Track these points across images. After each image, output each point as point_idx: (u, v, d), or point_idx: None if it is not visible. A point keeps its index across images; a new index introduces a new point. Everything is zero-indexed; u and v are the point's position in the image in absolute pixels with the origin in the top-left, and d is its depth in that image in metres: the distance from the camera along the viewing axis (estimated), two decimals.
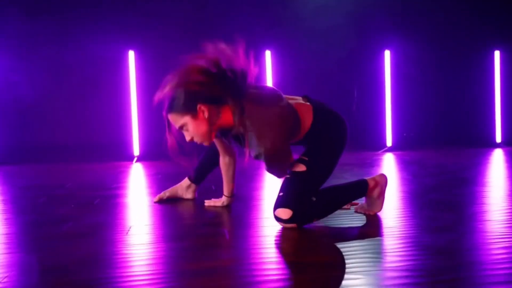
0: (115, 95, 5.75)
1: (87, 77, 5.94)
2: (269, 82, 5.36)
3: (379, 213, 2.36)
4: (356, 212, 2.39)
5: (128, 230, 2.16)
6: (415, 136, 6.31)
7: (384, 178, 2.33)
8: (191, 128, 2.09)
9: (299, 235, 2.04)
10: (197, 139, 2.13)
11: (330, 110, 2.27)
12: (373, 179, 2.31)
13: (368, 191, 2.29)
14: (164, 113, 2.13)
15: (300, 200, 2.10)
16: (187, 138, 2.14)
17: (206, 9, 6.08)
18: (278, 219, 2.12)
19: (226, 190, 2.61)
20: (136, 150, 5.15)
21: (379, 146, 5.63)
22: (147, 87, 5.68)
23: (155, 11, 6.03)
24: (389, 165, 4.42)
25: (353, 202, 2.43)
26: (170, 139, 2.16)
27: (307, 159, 2.16)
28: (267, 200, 2.81)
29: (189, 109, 2.06)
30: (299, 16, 6.14)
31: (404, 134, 6.17)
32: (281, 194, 2.13)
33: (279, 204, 2.12)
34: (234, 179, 2.59)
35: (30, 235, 2.17)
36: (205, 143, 2.15)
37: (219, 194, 2.76)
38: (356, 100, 6.42)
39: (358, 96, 6.42)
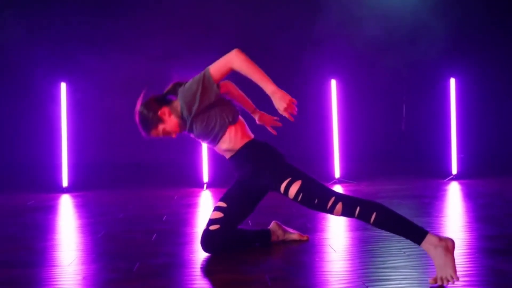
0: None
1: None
2: (334, 109, 5.46)
3: None
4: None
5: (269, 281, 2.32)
6: (479, 163, 6.26)
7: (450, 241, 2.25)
8: (168, 128, 2.65)
9: None
10: (174, 134, 2.69)
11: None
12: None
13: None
14: (145, 136, 2.71)
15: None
16: (172, 135, 2.70)
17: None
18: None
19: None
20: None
21: (443, 173, 5.58)
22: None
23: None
24: (472, 197, 4.42)
25: None
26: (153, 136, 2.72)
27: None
28: None
29: (157, 120, 2.63)
30: (363, 46, 6.27)
31: (462, 155, 6.08)
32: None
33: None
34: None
35: None
36: (180, 132, 2.69)
37: (313, 231, 2.89)
38: (405, 119, 6.49)
39: (406, 115, 6.50)
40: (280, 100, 2.38)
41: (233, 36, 6.61)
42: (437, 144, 6.02)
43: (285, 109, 2.37)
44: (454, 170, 5.52)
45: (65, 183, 5.25)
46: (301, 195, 2.47)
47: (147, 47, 6.76)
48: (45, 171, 6.01)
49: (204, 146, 5.33)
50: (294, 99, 2.40)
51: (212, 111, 2.59)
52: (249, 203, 2.74)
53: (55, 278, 2.42)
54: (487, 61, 6.73)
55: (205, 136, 2.65)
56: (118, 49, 6.83)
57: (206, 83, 2.50)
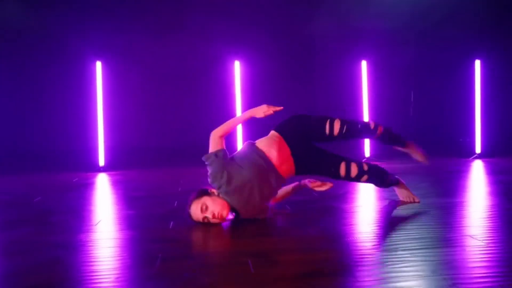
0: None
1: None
2: (365, 89, 5.63)
3: None
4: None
5: None
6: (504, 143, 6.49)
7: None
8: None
9: None
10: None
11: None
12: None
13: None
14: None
15: None
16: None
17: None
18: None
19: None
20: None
21: (468, 153, 5.77)
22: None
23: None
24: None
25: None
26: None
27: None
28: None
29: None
30: (392, 28, 6.49)
31: (461, 139, 6.32)
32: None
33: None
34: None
35: None
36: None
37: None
38: (413, 105, 6.70)
39: (415, 100, 6.73)
40: (258, 112, 2.88)
41: (271, 24, 6.79)
42: (462, 125, 6.24)
43: (265, 112, 2.85)
44: (478, 150, 5.73)
45: (101, 162, 5.35)
46: (345, 127, 2.91)
47: (185, 29, 6.74)
48: (82, 151, 6.10)
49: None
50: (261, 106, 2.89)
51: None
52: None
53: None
54: None
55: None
56: (156, 30, 6.81)
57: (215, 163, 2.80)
